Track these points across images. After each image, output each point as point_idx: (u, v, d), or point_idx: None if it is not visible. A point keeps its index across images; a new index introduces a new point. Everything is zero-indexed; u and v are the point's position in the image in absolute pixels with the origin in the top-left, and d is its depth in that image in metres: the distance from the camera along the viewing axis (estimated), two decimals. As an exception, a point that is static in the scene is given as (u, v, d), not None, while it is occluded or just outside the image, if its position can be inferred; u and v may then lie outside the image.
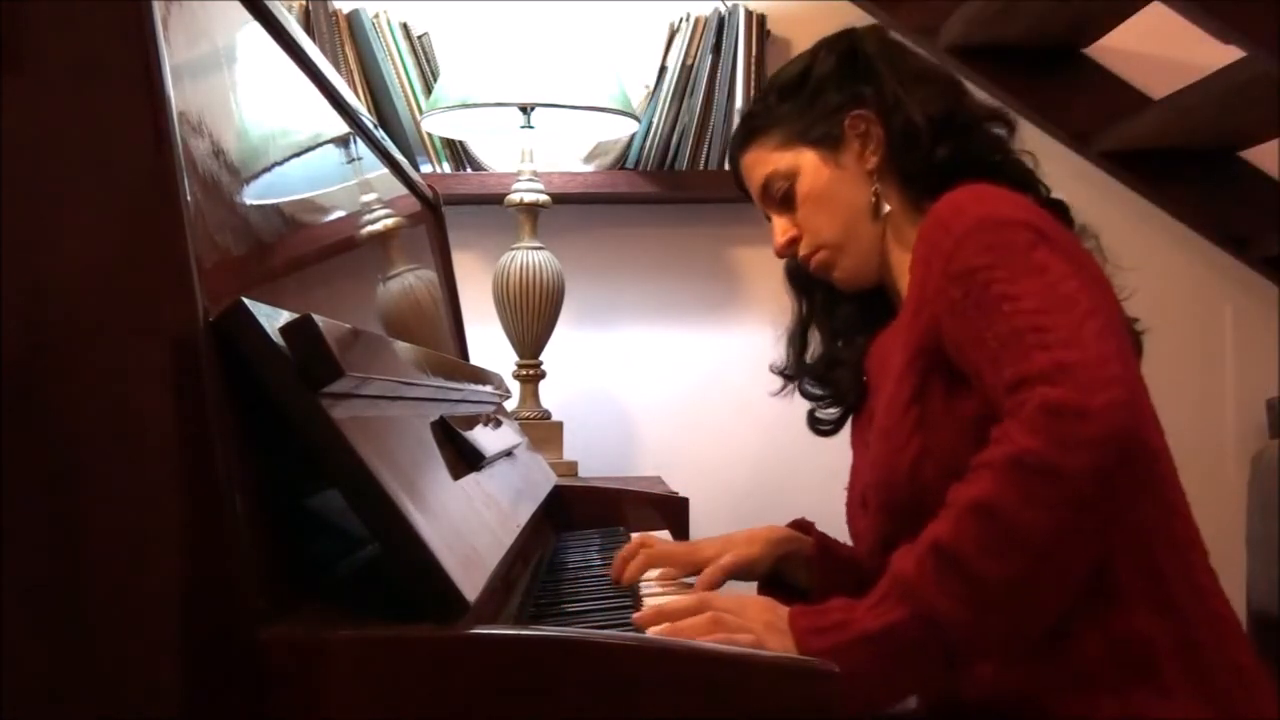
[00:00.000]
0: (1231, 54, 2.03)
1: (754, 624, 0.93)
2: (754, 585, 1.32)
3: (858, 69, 1.28)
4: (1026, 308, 0.97)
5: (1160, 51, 2.48)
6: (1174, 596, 1.01)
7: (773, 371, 1.43)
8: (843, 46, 1.30)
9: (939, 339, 1.07)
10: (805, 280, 1.37)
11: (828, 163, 1.26)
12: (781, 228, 1.30)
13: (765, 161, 1.30)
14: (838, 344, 1.38)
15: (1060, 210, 1.21)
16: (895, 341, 1.16)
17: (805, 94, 1.29)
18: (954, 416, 1.05)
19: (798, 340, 1.40)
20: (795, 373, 1.40)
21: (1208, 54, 2.15)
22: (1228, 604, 1.06)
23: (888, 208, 1.23)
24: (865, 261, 1.27)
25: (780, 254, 1.32)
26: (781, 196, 1.29)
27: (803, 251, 1.29)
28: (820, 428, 1.40)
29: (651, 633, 0.91)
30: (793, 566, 1.30)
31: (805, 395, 1.40)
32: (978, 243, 1.04)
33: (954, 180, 1.16)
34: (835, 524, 1.35)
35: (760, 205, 1.34)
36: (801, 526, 1.36)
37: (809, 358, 1.39)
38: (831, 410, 1.38)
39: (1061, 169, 2.51)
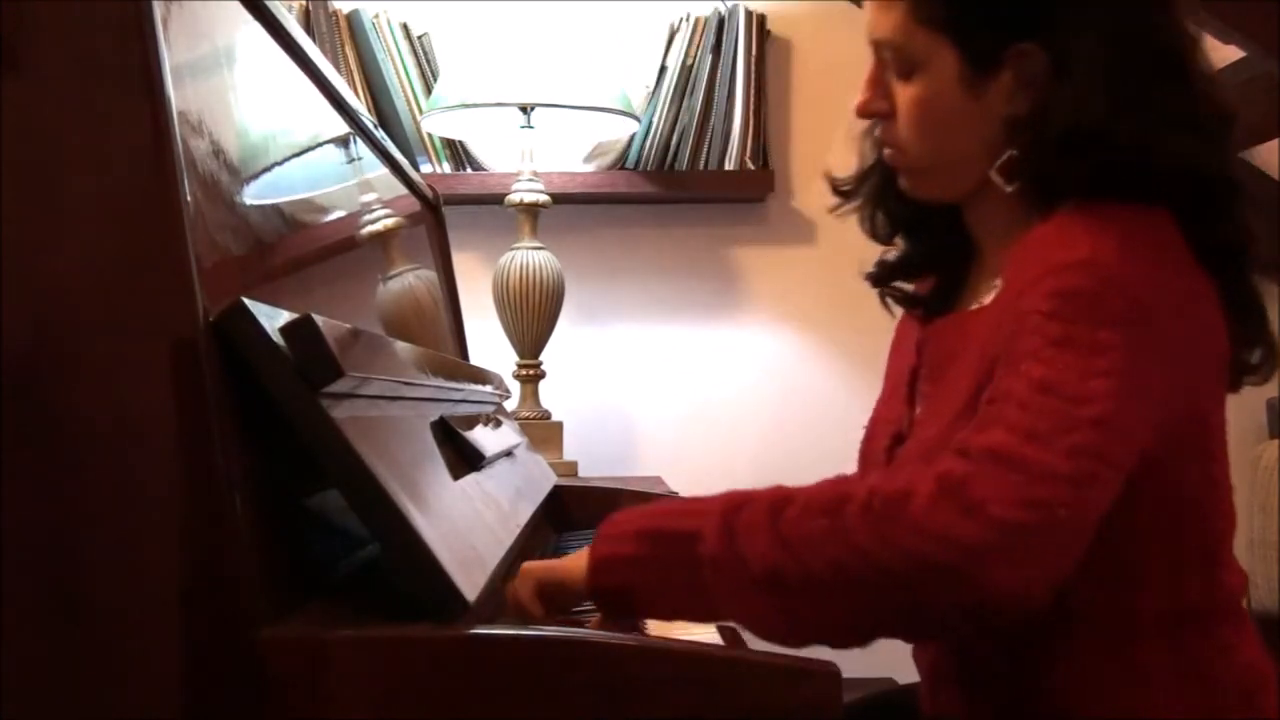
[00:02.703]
0: (1231, 54, 2.03)
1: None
2: None
3: None
4: (1035, 375, 0.83)
5: (1160, 51, 2.48)
6: (1200, 664, 0.95)
7: (828, 179, 1.16)
8: None
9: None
10: None
11: (965, 83, 0.96)
12: (876, 91, 1.02)
13: (892, 24, 0.98)
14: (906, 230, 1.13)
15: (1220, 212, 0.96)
16: (966, 349, 0.98)
17: None
18: None
19: (876, 140, 1.09)
20: (852, 191, 1.14)
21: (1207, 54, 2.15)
22: (1256, 642, 0.99)
23: (1014, 185, 0.97)
24: (944, 193, 1.04)
25: (860, 115, 1.04)
26: (895, 66, 1.00)
27: (882, 135, 1.04)
28: (878, 273, 1.17)
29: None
30: None
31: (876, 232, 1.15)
32: (1057, 284, 0.87)
33: (1092, 188, 0.93)
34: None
35: (870, 43, 1.03)
36: None
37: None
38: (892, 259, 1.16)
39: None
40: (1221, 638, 0.97)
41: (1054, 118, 0.93)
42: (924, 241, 1.14)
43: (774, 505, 0.85)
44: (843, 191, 1.15)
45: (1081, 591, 0.88)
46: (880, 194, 1.13)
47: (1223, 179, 0.96)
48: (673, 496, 0.95)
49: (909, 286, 1.17)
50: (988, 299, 1.01)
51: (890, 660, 1.16)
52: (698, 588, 0.85)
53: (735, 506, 0.86)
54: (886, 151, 1.05)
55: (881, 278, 1.17)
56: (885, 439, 1.10)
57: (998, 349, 0.90)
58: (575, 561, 0.91)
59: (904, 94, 1.00)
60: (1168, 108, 0.93)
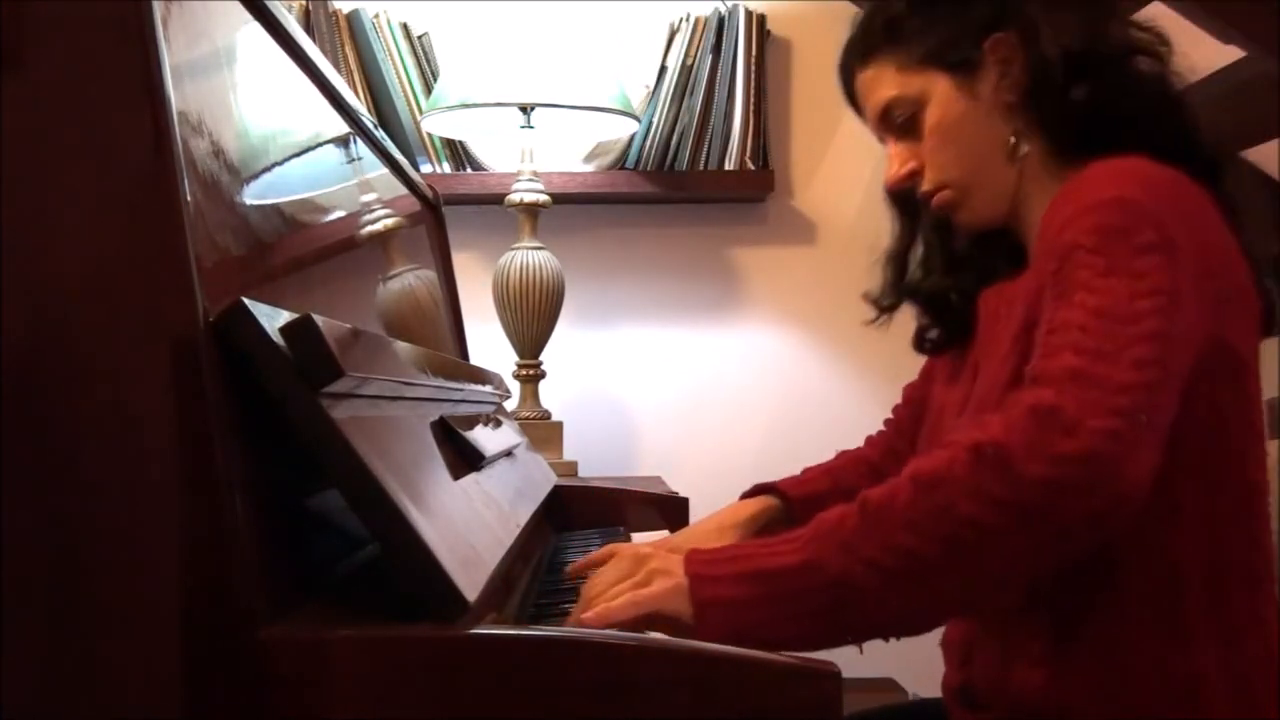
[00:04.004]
0: (1231, 54, 2.03)
1: (647, 578, 0.89)
2: None
3: None
4: (1090, 304, 0.90)
5: (1160, 51, 2.48)
6: (1238, 632, 0.98)
7: (866, 300, 1.29)
8: None
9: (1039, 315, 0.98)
10: (913, 201, 1.23)
11: (962, 92, 1.11)
12: (901, 158, 1.16)
13: (888, 83, 1.15)
14: (953, 277, 1.24)
15: (1211, 169, 1.07)
16: (1010, 305, 1.07)
17: (941, 6, 1.13)
18: None
19: (897, 264, 1.27)
20: (894, 301, 1.27)
21: (1208, 54, 2.15)
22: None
23: (1025, 149, 1.11)
24: (993, 206, 1.14)
25: (894, 187, 1.18)
26: (904, 123, 1.15)
27: (925, 187, 1.16)
28: (925, 346, 1.28)
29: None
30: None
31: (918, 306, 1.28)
32: (1093, 221, 0.95)
33: (1100, 129, 1.06)
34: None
35: (874, 128, 1.20)
36: (764, 490, 1.32)
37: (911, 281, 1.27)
38: (936, 332, 1.27)
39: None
40: (1260, 608, 0.99)
41: (1035, 59, 1.08)
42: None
43: (875, 503, 0.86)
44: (886, 305, 1.28)
45: (1122, 535, 0.91)
46: (941, 300, 1.24)
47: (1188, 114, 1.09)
48: (750, 542, 0.96)
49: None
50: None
51: (891, 661, 1.16)
52: (828, 610, 0.84)
53: (829, 527, 0.86)
54: (934, 203, 1.16)
55: (939, 344, 1.27)
56: (950, 419, 1.16)
57: (1040, 284, 0.97)
58: (675, 599, 0.87)
59: (921, 142, 1.14)
60: (1089, 36, 1.08)
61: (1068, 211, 0.98)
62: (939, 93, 1.12)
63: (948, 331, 1.24)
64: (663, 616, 0.86)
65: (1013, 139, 1.11)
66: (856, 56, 1.19)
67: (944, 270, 1.24)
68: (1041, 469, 0.82)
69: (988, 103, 1.11)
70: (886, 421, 1.41)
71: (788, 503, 1.31)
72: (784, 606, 0.84)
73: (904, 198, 1.24)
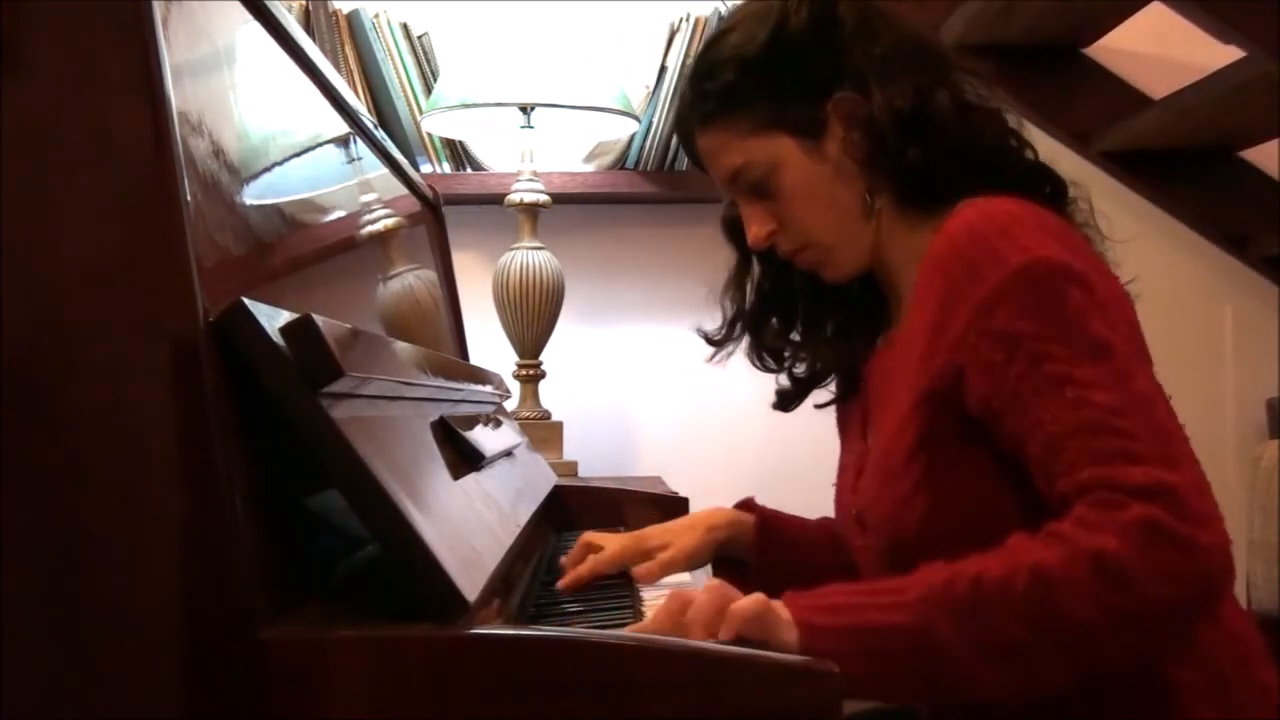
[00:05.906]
0: (1231, 54, 2.03)
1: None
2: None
3: (835, 40, 1.10)
4: (1099, 401, 0.91)
5: (1160, 51, 2.48)
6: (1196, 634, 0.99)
7: (699, 335, 1.32)
8: (817, 9, 1.11)
9: (958, 389, 0.98)
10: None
11: (811, 154, 1.10)
12: (758, 218, 1.15)
13: (732, 149, 1.13)
14: (821, 321, 1.26)
15: (1058, 195, 1.13)
16: (901, 366, 1.07)
17: (777, 69, 1.10)
18: (968, 464, 0.99)
19: (735, 293, 1.27)
20: (727, 336, 1.30)
21: (1208, 54, 2.16)
22: (1243, 617, 1.04)
23: (880, 204, 1.11)
24: (857, 260, 1.14)
25: (757, 247, 1.17)
26: (755, 186, 1.13)
27: (786, 247, 1.15)
28: (782, 400, 1.32)
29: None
30: (739, 549, 1.29)
31: (761, 362, 1.31)
32: (1021, 302, 0.95)
33: (943, 180, 1.08)
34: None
35: (723, 189, 1.19)
36: (747, 506, 1.35)
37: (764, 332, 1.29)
38: (788, 384, 1.31)
39: (1061, 169, 2.51)
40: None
41: (869, 120, 1.07)
42: (828, 331, 1.25)
43: (990, 584, 0.87)
44: (717, 340, 1.31)
45: None
46: (766, 312, 1.26)
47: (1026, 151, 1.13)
48: (840, 584, 0.94)
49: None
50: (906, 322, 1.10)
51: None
52: (927, 675, 0.87)
53: (937, 592, 0.87)
54: (798, 261, 1.16)
55: (791, 397, 1.32)
56: (850, 478, 1.18)
57: (952, 359, 0.98)
58: (778, 630, 0.86)
59: (777, 203, 1.13)
60: (920, 99, 1.08)
61: (979, 294, 0.97)
62: (788, 156, 1.11)
63: (810, 375, 1.28)
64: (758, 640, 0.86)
65: (867, 196, 1.11)
66: (694, 120, 1.16)
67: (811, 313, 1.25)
68: (1164, 589, 0.85)
69: (838, 162, 1.10)
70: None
71: (759, 521, 1.32)
72: (885, 663, 0.86)
73: (735, 231, 1.23)
